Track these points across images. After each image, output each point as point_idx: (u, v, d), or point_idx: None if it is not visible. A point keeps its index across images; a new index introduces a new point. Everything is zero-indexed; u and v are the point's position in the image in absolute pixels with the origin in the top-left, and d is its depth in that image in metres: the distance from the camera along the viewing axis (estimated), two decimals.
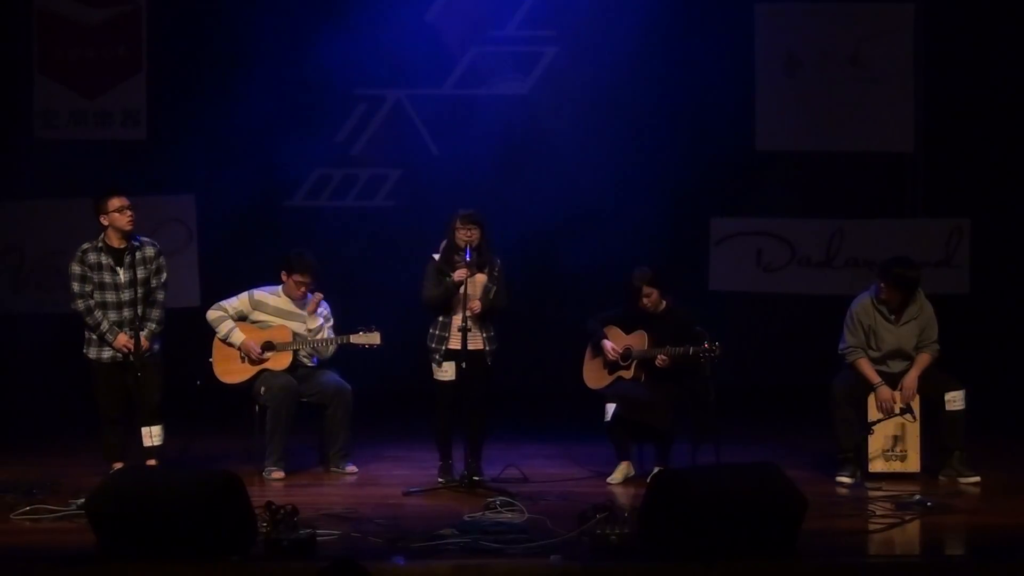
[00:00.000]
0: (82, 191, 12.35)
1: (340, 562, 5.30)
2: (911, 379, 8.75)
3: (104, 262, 8.64)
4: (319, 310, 9.20)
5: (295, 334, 9.09)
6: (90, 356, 8.73)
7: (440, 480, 8.73)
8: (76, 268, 8.68)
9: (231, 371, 9.11)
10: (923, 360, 8.80)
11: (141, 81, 12.69)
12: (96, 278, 8.65)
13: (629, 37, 12.56)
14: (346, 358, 9.29)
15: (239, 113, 12.29)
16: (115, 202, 8.63)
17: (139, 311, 8.65)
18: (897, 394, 8.72)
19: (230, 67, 12.40)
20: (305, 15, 12.51)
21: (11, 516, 7.55)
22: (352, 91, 12.77)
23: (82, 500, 7.18)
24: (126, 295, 8.66)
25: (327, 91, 12.61)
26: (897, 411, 8.67)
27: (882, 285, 8.79)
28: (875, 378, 8.76)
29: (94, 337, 8.69)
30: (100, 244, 8.69)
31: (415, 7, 12.69)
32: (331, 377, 9.10)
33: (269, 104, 12.44)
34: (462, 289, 8.53)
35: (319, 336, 9.12)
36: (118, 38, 12.67)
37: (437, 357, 8.74)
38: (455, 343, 8.59)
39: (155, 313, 8.75)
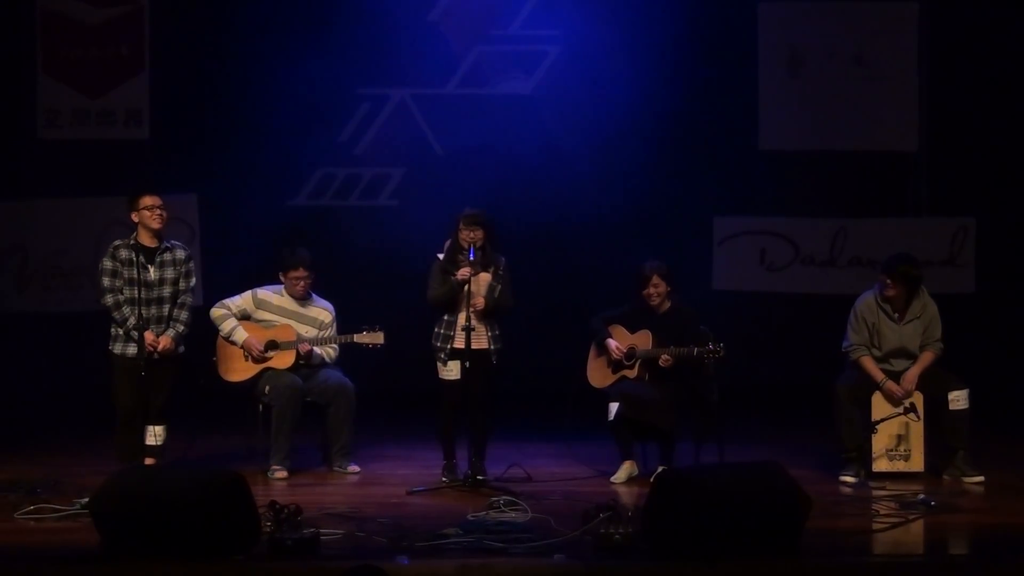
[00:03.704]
0: (85, 191, 12.45)
1: (363, 568, 5.30)
2: (912, 374, 8.75)
3: (136, 259, 8.65)
4: (320, 314, 9.21)
5: (299, 333, 9.09)
6: (115, 352, 8.73)
7: (444, 479, 8.73)
8: (108, 263, 8.72)
9: (234, 369, 9.12)
10: (926, 358, 8.81)
11: (144, 80, 12.70)
12: (127, 274, 8.68)
13: (631, 36, 12.55)
14: (350, 357, 9.29)
15: (242, 112, 12.32)
16: (146, 200, 8.69)
17: (168, 311, 8.73)
18: (904, 388, 8.72)
19: (233, 66, 12.42)
20: (308, 14, 12.51)
21: (15, 515, 7.54)
22: (355, 90, 12.77)
23: (86, 499, 7.18)
24: (154, 293, 8.69)
25: (330, 90, 12.60)
26: (901, 410, 8.67)
27: (888, 281, 8.78)
28: (879, 375, 8.77)
29: (120, 333, 8.70)
30: (132, 242, 8.73)
31: (418, 6, 12.70)
32: (334, 375, 9.10)
33: (272, 103, 12.45)
34: (466, 288, 8.54)
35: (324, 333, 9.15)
36: (121, 37, 12.68)
37: (442, 356, 8.75)
38: (460, 342, 8.58)
39: (183, 315, 8.81)
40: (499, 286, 8.78)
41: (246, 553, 6.52)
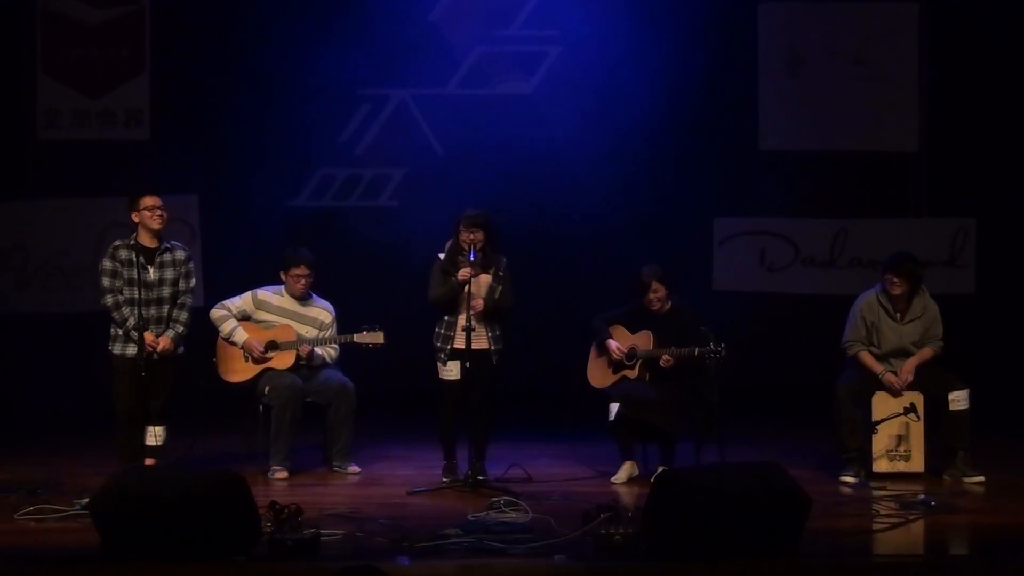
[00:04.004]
0: (85, 191, 12.44)
1: (361, 569, 5.29)
2: (910, 364, 8.79)
3: (135, 259, 8.65)
4: (320, 314, 9.22)
5: (299, 334, 9.09)
6: (115, 352, 8.73)
7: (444, 479, 8.73)
8: (107, 264, 8.72)
9: (235, 370, 9.12)
10: (924, 352, 8.84)
11: (144, 81, 12.68)
12: (126, 274, 8.68)
13: (632, 36, 12.54)
14: (350, 358, 9.30)
15: (243, 113, 12.30)
16: (147, 201, 8.69)
17: (167, 312, 8.73)
18: (902, 377, 8.73)
19: (233, 67, 12.41)
20: (309, 15, 12.51)
21: (15, 516, 7.55)
22: (356, 91, 12.75)
23: (86, 500, 7.18)
24: (154, 293, 8.69)
25: (331, 91, 12.59)
26: (901, 410, 8.68)
27: (895, 280, 8.78)
28: (878, 367, 8.78)
29: (120, 333, 8.69)
30: (132, 242, 8.73)
31: (419, 7, 12.69)
32: (334, 376, 9.10)
33: (273, 104, 12.45)
34: (466, 289, 8.54)
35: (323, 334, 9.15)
36: (121, 38, 12.67)
37: (442, 356, 8.75)
38: (460, 342, 8.58)
39: (183, 316, 8.81)
40: (499, 287, 8.78)
41: (246, 554, 6.52)
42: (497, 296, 8.77)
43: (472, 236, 8.63)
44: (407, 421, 10.78)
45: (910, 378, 8.76)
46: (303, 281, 9.12)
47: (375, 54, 12.52)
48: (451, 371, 8.71)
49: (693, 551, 6.38)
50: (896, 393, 8.74)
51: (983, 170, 12.67)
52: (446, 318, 8.79)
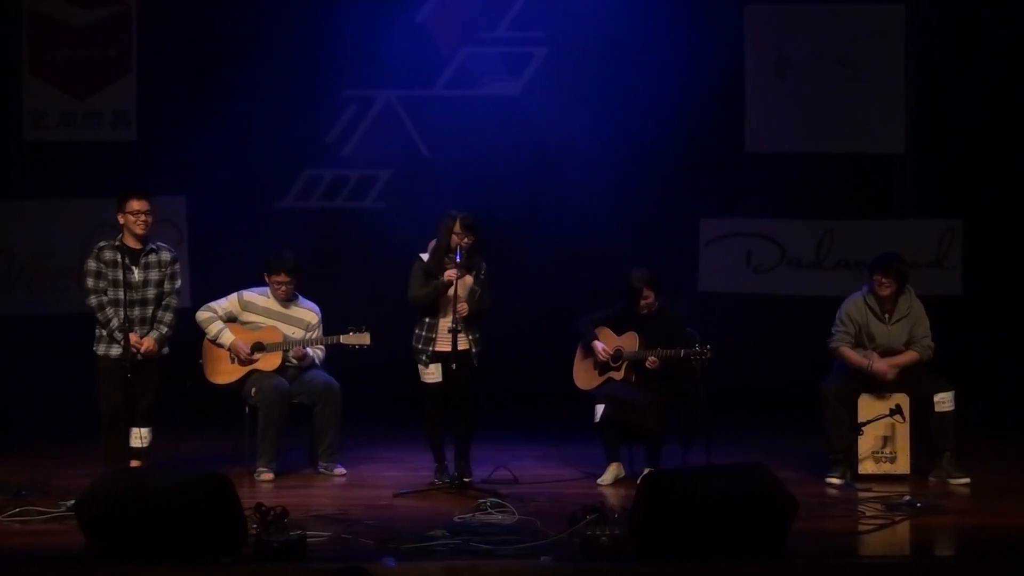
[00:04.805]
0: (72, 192, 12.42)
1: (348, 570, 5.29)
2: (896, 361, 8.75)
3: (120, 260, 8.64)
4: (306, 315, 9.21)
5: (285, 335, 9.08)
6: (99, 353, 8.72)
7: (436, 481, 8.71)
8: (92, 264, 8.70)
9: (221, 372, 9.10)
10: (910, 355, 8.81)
11: (131, 82, 12.68)
12: (111, 275, 8.66)
13: (619, 38, 12.57)
14: (336, 359, 9.28)
15: (229, 114, 12.29)
16: (133, 204, 8.67)
17: (152, 313, 8.70)
18: (891, 369, 8.72)
19: (220, 68, 12.40)
20: (294, 16, 12.50)
21: (0, 518, 7.53)
22: (342, 92, 12.76)
23: (72, 501, 7.16)
24: (139, 294, 8.67)
25: (317, 92, 12.61)
26: (887, 412, 8.69)
27: (884, 280, 8.77)
28: (864, 361, 8.74)
29: (104, 334, 8.68)
30: (117, 243, 8.71)
31: (405, 8, 12.69)
32: (320, 376, 9.09)
33: (259, 105, 12.44)
34: (451, 290, 8.52)
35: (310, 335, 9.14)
36: (108, 39, 12.65)
37: (423, 359, 8.71)
38: (442, 344, 8.57)
39: (168, 317, 8.79)
40: (479, 290, 8.75)
41: (232, 555, 6.51)
42: (477, 299, 8.74)
43: (466, 239, 8.61)
44: (394, 422, 10.76)
45: (893, 376, 8.74)
46: (283, 288, 9.10)
47: (361, 55, 12.52)
48: (433, 374, 8.68)
49: (679, 552, 6.39)
50: (880, 383, 8.70)
51: (970, 171, 12.70)
52: (427, 320, 8.75)
